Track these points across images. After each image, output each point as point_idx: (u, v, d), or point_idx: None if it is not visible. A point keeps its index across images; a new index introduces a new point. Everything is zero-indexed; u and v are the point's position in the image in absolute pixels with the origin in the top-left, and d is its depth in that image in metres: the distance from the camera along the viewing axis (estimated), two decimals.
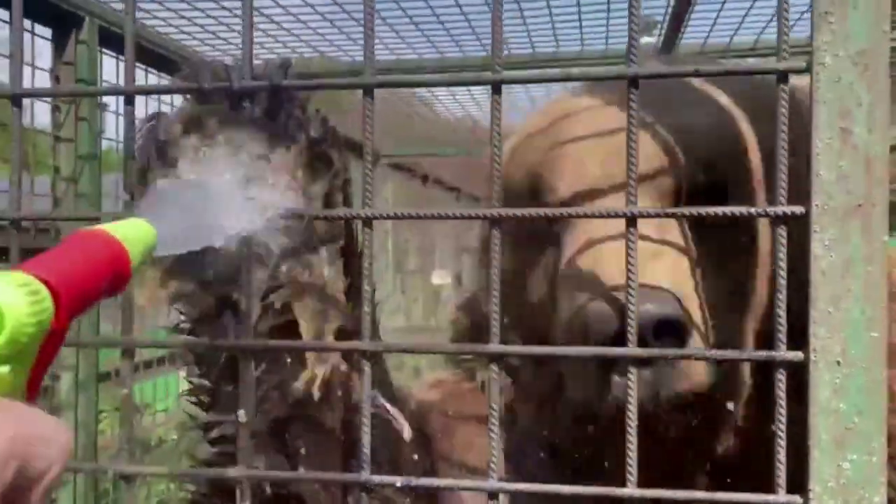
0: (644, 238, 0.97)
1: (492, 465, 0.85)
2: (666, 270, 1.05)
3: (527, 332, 1.19)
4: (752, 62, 3.86)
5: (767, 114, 0.91)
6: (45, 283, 0.52)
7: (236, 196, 0.83)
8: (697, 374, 1.03)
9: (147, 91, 1.00)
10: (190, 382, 0.98)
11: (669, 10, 3.42)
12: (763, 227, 1.11)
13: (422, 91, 6.71)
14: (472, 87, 5.05)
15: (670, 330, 0.97)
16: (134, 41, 0.92)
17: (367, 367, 0.88)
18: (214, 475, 0.93)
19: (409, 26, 3.87)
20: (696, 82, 1.17)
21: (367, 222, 0.87)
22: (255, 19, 0.90)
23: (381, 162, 7.24)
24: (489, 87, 0.85)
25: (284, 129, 0.88)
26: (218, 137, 0.86)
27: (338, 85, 0.92)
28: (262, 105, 0.88)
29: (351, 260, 0.96)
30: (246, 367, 0.90)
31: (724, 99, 1.15)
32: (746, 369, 1.12)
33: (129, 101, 0.90)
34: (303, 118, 0.90)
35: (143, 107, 2.43)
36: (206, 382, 0.95)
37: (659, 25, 3.72)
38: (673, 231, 1.08)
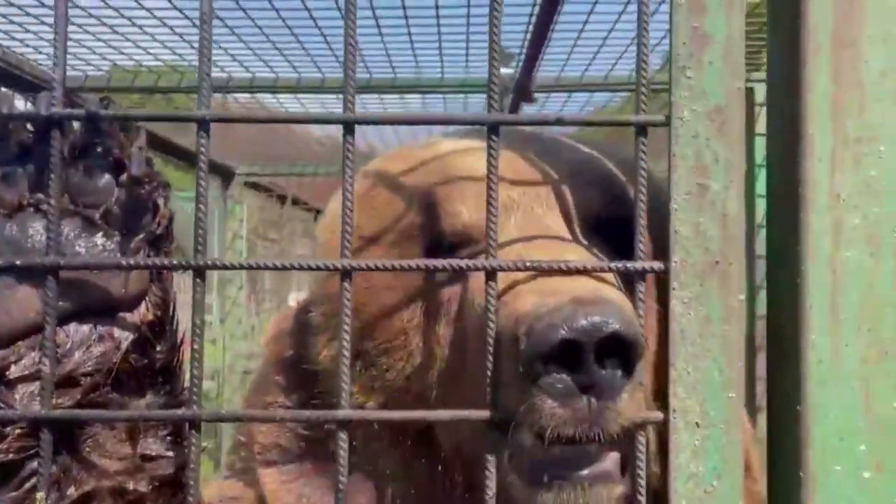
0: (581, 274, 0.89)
1: None
2: (611, 289, 0.93)
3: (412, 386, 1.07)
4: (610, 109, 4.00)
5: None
6: None
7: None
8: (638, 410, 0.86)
9: None
10: None
11: (526, 43, 3.49)
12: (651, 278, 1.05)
13: (281, 109, 6.55)
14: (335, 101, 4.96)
15: (618, 350, 0.83)
16: None
17: (194, 438, 0.78)
18: None
19: (265, 44, 3.75)
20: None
21: (199, 273, 0.77)
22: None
23: (236, 180, 6.99)
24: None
25: (98, 165, 0.77)
26: (18, 171, 0.74)
27: (168, 118, 0.82)
28: (75, 138, 0.77)
29: (164, 326, 0.86)
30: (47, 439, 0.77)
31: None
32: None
33: None
34: (122, 154, 0.79)
35: None
36: None
37: (516, 58, 3.80)
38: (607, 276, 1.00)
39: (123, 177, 0.80)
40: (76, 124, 0.79)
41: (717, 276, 0.75)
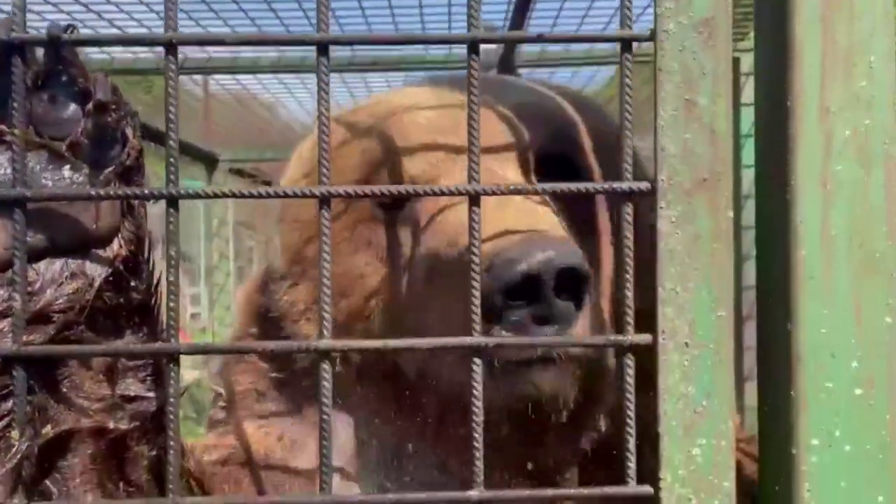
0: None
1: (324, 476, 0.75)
2: (558, 224, 0.97)
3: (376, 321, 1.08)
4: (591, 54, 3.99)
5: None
6: None
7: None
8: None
9: None
10: None
11: (508, 17, 3.46)
12: (601, 204, 1.09)
13: (264, 93, 6.48)
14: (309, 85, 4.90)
15: (570, 282, 0.88)
16: None
17: (173, 372, 0.76)
18: None
19: (245, 21, 3.71)
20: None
21: (172, 202, 0.75)
22: None
23: (220, 167, 6.93)
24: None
25: (63, 94, 0.74)
26: None
27: (133, 41, 0.79)
28: (37, 65, 0.74)
29: (139, 262, 0.83)
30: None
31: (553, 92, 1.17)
32: (611, 354, 1.07)
33: None
34: (86, 82, 0.76)
35: None
36: None
37: (499, 31, 3.77)
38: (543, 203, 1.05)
39: (90, 105, 0.77)
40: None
41: (706, 193, 0.73)
